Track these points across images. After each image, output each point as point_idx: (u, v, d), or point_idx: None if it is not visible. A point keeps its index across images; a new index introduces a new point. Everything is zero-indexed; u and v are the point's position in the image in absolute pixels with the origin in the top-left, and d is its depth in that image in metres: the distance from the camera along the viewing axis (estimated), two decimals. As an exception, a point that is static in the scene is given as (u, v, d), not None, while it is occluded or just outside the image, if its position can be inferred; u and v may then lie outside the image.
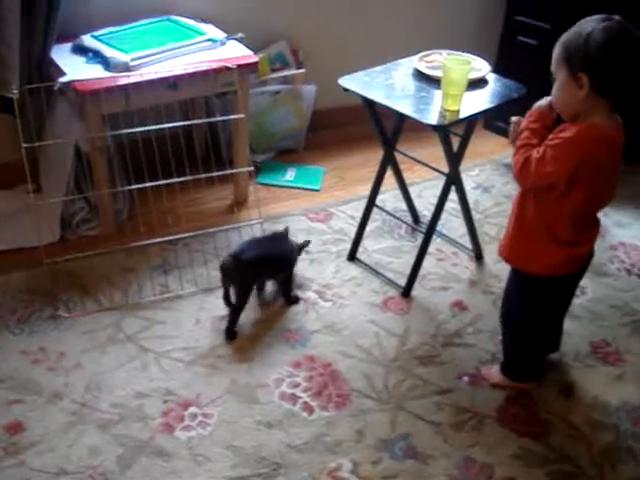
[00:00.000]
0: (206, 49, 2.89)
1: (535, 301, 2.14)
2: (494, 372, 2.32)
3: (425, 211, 3.11)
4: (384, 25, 3.67)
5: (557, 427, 2.18)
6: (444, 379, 2.32)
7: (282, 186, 3.34)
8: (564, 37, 1.86)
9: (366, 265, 2.80)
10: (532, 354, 2.27)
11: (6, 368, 2.28)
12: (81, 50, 2.82)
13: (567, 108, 1.90)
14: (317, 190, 3.33)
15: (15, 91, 2.65)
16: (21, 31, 2.65)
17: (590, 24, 1.81)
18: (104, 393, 2.21)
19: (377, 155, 2.88)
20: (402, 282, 2.69)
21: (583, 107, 1.85)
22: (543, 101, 2.00)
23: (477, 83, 2.50)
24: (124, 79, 2.64)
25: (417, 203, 3.10)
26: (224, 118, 2.96)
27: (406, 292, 2.66)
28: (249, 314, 2.54)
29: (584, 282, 2.25)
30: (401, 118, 2.58)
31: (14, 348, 2.36)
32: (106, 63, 2.71)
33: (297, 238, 2.88)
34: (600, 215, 2.07)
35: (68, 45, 2.86)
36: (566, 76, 1.84)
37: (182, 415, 2.15)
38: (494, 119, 3.66)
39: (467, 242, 2.89)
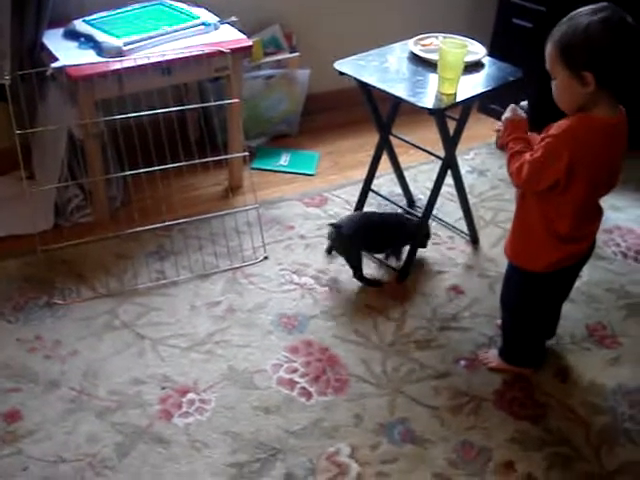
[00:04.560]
0: (199, 33, 2.86)
1: (534, 294, 2.15)
2: (491, 356, 2.32)
3: (420, 195, 3.11)
4: (378, 8, 3.65)
5: (554, 410, 2.18)
6: (441, 363, 2.32)
7: (277, 171, 3.32)
8: (557, 35, 1.81)
9: (362, 250, 2.80)
10: (531, 340, 2.28)
11: (2, 356, 2.27)
12: (73, 35, 2.80)
13: (571, 105, 1.87)
14: (312, 175, 3.32)
15: (7, 77, 2.63)
16: (12, 16, 2.62)
17: (583, 18, 1.76)
18: (101, 380, 2.21)
19: (372, 139, 2.87)
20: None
21: (587, 101, 1.83)
22: (508, 112, 2.02)
23: (473, 66, 2.50)
24: (117, 64, 2.62)
25: (412, 187, 3.09)
26: (218, 103, 2.94)
27: (402, 277, 2.66)
28: (246, 300, 2.54)
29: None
30: (397, 102, 2.57)
31: (10, 336, 2.35)
32: (98, 48, 2.69)
33: (295, 223, 2.90)
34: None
35: (60, 30, 2.83)
36: (567, 75, 1.81)
37: (180, 402, 2.15)
38: (489, 102, 3.67)
39: (463, 226, 2.89)
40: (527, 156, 1.90)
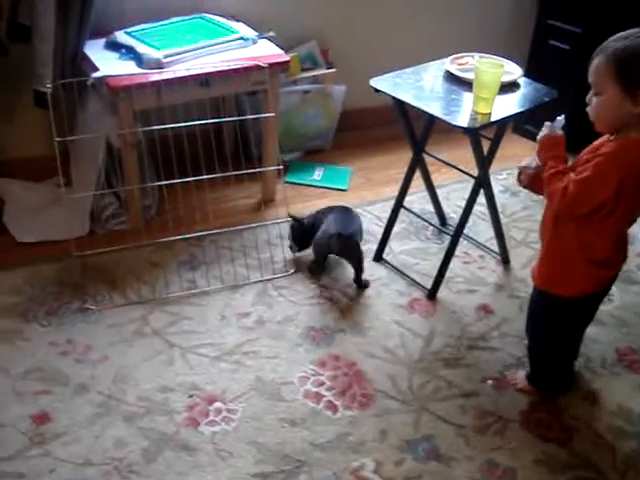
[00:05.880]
0: (238, 47, 2.91)
1: (565, 320, 2.13)
2: (519, 377, 2.31)
3: (452, 213, 3.11)
4: (415, 27, 3.67)
5: (581, 433, 2.16)
6: (468, 382, 2.32)
7: (309, 185, 3.35)
8: (612, 50, 1.77)
9: (392, 266, 2.81)
10: (559, 366, 2.27)
11: (34, 359, 2.31)
12: (114, 46, 2.85)
13: (611, 124, 1.84)
14: (344, 190, 3.34)
15: (49, 85, 2.68)
16: (56, 26, 2.68)
17: None
18: (130, 386, 2.23)
19: (404, 156, 2.88)
20: (428, 284, 2.69)
21: (629, 122, 1.80)
22: (545, 129, 1.97)
23: (508, 86, 2.50)
24: (156, 76, 2.66)
25: (444, 205, 3.10)
26: (255, 116, 2.97)
27: (432, 294, 2.66)
28: (276, 312, 2.55)
29: (612, 289, 2.24)
30: (431, 120, 2.58)
31: (42, 340, 2.39)
32: (139, 59, 2.73)
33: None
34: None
35: (102, 41, 2.88)
36: (618, 93, 1.77)
37: (207, 410, 2.17)
38: (523, 123, 3.67)
39: (494, 245, 2.88)
40: (572, 176, 1.85)
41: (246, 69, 2.80)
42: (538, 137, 1.99)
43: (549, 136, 1.96)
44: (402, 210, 2.84)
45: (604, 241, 1.94)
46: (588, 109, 1.88)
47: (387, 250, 2.86)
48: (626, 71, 1.76)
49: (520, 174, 2.12)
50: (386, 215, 2.88)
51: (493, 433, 2.15)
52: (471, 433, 2.15)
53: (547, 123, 1.98)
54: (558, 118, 1.99)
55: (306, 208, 3.13)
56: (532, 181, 2.07)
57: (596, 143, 1.92)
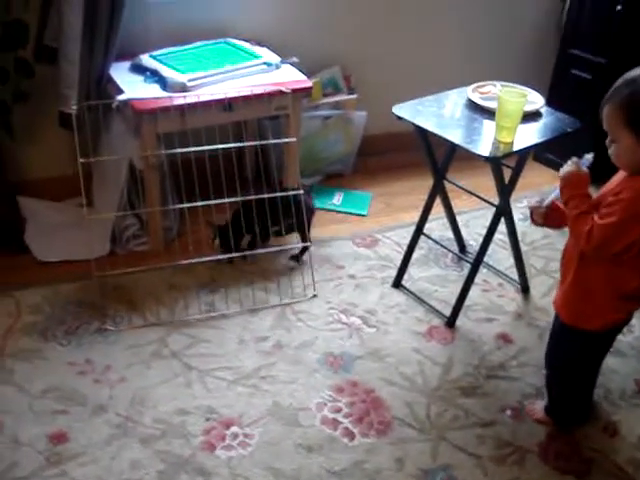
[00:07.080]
0: (261, 72, 2.93)
1: (588, 352, 2.12)
2: (538, 408, 2.29)
3: (472, 241, 3.10)
4: (437, 55, 3.69)
5: (600, 466, 2.14)
6: (487, 411, 2.30)
7: (329, 210, 3.35)
8: (620, 98, 1.75)
9: (411, 293, 2.80)
10: (578, 397, 2.25)
11: (53, 378, 2.32)
12: (139, 69, 2.88)
13: (634, 166, 1.81)
14: (364, 215, 3.34)
15: (74, 106, 2.71)
16: (82, 48, 2.71)
17: None
18: (147, 408, 2.23)
19: (424, 183, 2.89)
20: (447, 311, 2.68)
21: None
22: (569, 166, 1.92)
23: (530, 116, 2.49)
24: (180, 99, 2.69)
25: (464, 232, 3.09)
26: (276, 141, 2.99)
27: (451, 322, 2.65)
28: (294, 337, 2.55)
29: (632, 320, 2.22)
30: (452, 147, 2.58)
31: (61, 359, 2.40)
32: (163, 83, 2.76)
33: (345, 262, 2.95)
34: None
35: (127, 64, 2.92)
36: (633, 140, 1.75)
37: (223, 434, 2.16)
38: (544, 151, 3.66)
39: (513, 274, 2.87)
40: (596, 219, 1.82)
41: (269, 94, 2.83)
42: (562, 172, 1.93)
43: (575, 173, 1.91)
44: (422, 237, 2.84)
45: (635, 277, 1.92)
46: (609, 152, 1.85)
47: (406, 277, 2.85)
48: (637, 118, 1.74)
49: (532, 214, 2.11)
50: (405, 241, 2.88)
51: (511, 464, 2.13)
52: (489, 463, 2.13)
53: (574, 159, 1.93)
54: (587, 156, 1.93)
55: (326, 233, 3.15)
56: (546, 219, 2.07)
57: (617, 181, 1.90)
